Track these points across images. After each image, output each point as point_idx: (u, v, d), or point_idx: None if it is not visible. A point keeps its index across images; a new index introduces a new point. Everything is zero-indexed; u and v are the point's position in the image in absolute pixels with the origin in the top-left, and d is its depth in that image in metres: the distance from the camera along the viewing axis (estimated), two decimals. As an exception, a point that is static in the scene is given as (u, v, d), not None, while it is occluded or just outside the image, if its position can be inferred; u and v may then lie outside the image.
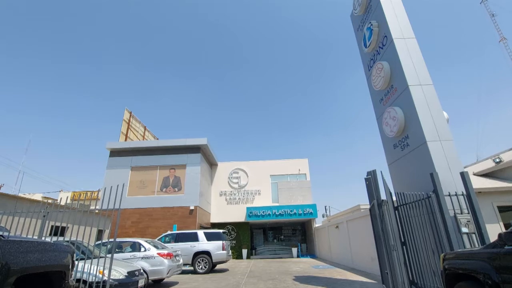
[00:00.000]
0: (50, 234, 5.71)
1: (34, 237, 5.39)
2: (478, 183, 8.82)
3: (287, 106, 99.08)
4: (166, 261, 8.14)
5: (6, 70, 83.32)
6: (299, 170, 21.45)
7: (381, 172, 5.85)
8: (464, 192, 5.46)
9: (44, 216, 5.48)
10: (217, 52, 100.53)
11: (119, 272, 5.63)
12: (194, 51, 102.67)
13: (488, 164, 10.38)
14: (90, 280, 5.07)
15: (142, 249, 8.40)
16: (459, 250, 4.50)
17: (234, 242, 19.80)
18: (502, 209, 8.28)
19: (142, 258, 8.12)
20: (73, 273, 5.25)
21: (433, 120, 6.37)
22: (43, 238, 5.31)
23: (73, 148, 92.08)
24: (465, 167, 11.09)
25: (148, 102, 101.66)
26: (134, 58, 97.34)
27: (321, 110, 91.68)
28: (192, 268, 11.36)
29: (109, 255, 8.15)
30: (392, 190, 7.03)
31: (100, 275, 5.17)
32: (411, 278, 5.93)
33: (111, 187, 5.70)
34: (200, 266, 11.26)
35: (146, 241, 8.69)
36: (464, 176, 5.47)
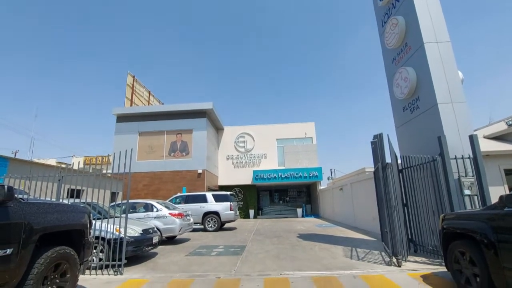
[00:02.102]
0: (67, 197, 6.06)
1: (52, 199, 5.75)
2: (487, 146, 8.69)
3: (294, 70, 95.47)
4: (177, 220, 8.67)
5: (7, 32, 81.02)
6: (305, 133, 21.44)
7: (387, 135, 5.79)
8: (471, 155, 5.41)
9: (59, 180, 5.75)
10: (222, 15, 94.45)
11: (134, 230, 6.04)
12: (198, 13, 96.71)
13: (500, 127, 10.12)
14: (108, 237, 5.48)
15: (155, 209, 8.91)
16: (459, 211, 4.61)
17: (242, 203, 20.74)
18: (508, 172, 8.28)
19: (155, 217, 8.66)
20: (92, 231, 5.72)
21: (446, 81, 6.07)
22: (60, 201, 5.64)
23: (80, 114, 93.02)
24: (476, 130, 10.88)
25: (151, 67, 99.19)
26: (134, 22, 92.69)
27: (330, 74, 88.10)
28: (202, 226, 12.12)
29: (124, 215, 8.77)
30: (398, 154, 7.03)
31: (117, 233, 5.56)
32: (409, 237, 6.23)
33: (120, 152, 5.84)
34: (210, 225, 11.99)
35: (157, 202, 9.18)
36: (472, 139, 5.38)
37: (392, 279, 4.29)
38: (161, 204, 9.14)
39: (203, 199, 12.47)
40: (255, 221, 17.29)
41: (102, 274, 5.12)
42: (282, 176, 19.54)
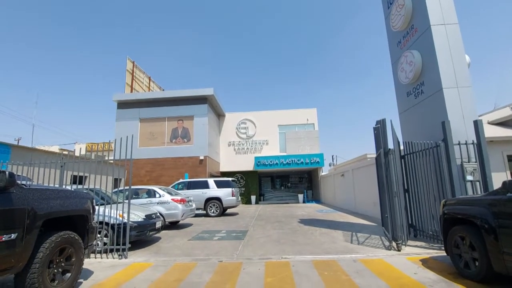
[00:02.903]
0: (70, 183, 6.12)
1: (55, 185, 5.80)
2: (491, 131, 8.59)
3: (297, 57, 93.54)
4: (179, 205, 8.78)
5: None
6: (307, 120, 21.30)
7: (390, 121, 5.71)
8: (475, 141, 5.35)
9: (61, 166, 5.78)
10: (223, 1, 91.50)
11: (137, 216, 6.13)
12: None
13: (505, 113, 9.96)
14: (111, 222, 5.57)
15: (157, 195, 9.01)
16: (461, 196, 4.61)
17: (243, 189, 20.94)
18: (511, 158, 8.22)
19: (157, 203, 8.77)
20: (95, 216, 5.82)
21: (453, 65, 5.91)
22: (64, 187, 5.70)
23: (80, 102, 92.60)
24: (480, 116, 10.70)
25: (150, 53, 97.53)
26: (134, 9, 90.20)
27: (333, 62, 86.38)
28: (204, 212, 12.30)
29: (127, 201, 8.89)
30: (401, 140, 6.98)
31: (120, 218, 5.65)
32: (410, 222, 6.28)
33: (121, 138, 5.83)
34: (212, 210, 12.16)
35: (160, 188, 9.27)
36: (477, 125, 5.30)
37: (391, 263, 4.35)
38: (163, 190, 9.23)
39: (205, 185, 12.58)
40: (257, 207, 17.52)
41: (107, 257, 5.24)
42: (284, 162, 19.60)
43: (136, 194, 9.43)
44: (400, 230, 5.12)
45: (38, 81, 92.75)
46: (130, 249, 5.90)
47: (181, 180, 13.26)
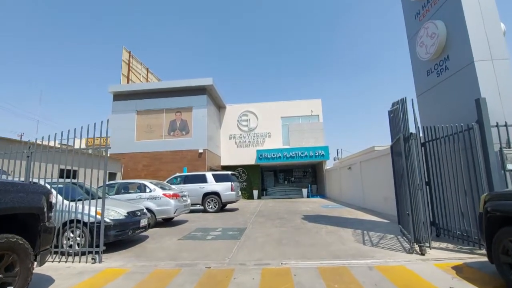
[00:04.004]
0: (58, 177, 5.38)
1: (21, 179, 5.07)
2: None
3: (301, 46, 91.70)
4: (172, 201, 8.03)
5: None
6: (312, 111, 20.34)
7: (411, 100, 4.80)
8: (515, 123, 4.43)
9: (28, 156, 5.03)
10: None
11: (118, 213, 5.37)
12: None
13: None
14: (86, 220, 4.81)
15: (148, 190, 8.27)
16: (507, 189, 3.73)
17: (245, 184, 20.19)
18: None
19: (148, 198, 8.04)
20: (70, 214, 5.09)
21: (486, 34, 4.96)
22: (30, 180, 4.96)
23: (78, 95, 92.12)
24: None
25: (149, 45, 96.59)
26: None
27: (338, 52, 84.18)
28: (202, 207, 11.56)
29: (115, 196, 8.16)
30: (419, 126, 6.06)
31: (98, 216, 4.89)
32: (431, 219, 5.42)
33: (94, 123, 5.03)
34: (210, 206, 11.42)
35: (151, 182, 8.53)
36: (517, 104, 4.37)
37: (417, 272, 3.52)
38: (154, 184, 8.48)
39: (202, 179, 11.83)
40: (259, 202, 16.75)
41: (80, 262, 4.50)
42: (287, 156, 18.74)
43: (126, 188, 8.72)
44: (424, 230, 4.26)
45: (37, 72, 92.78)
46: (109, 250, 5.18)
47: (177, 174, 12.52)
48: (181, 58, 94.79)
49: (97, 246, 4.53)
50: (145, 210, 6.38)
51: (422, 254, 4.18)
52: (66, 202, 4.97)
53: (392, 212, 8.47)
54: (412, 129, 4.79)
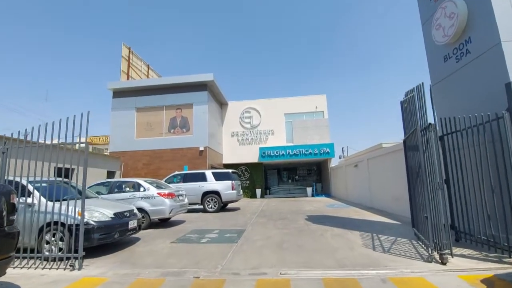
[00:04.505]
0: (54, 176, 4.94)
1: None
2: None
3: (305, 42, 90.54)
4: (167, 200, 7.57)
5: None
6: (316, 107, 19.70)
7: (430, 86, 4.22)
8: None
9: (3, 153, 4.60)
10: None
11: (103, 214, 4.92)
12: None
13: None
14: (65, 222, 4.37)
15: (142, 189, 7.83)
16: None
17: (248, 182, 19.70)
18: None
19: (141, 198, 7.60)
20: (50, 215, 4.67)
21: (514, 11, 4.34)
22: (6, 178, 4.53)
23: (77, 92, 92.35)
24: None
25: (150, 42, 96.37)
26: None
27: (345, 47, 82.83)
28: (202, 207, 11.11)
29: (107, 196, 7.73)
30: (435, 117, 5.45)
31: (79, 217, 4.44)
32: (450, 222, 4.83)
33: (74, 116, 4.55)
34: (210, 205, 10.95)
35: (145, 181, 8.08)
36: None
37: (438, 286, 2.96)
38: (149, 183, 8.03)
39: (202, 177, 11.37)
40: (262, 201, 16.25)
41: (58, 268, 4.06)
42: (291, 153, 18.17)
43: (120, 187, 8.28)
44: (445, 235, 3.70)
45: (42, 70, 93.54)
46: (94, 255, 4.75)
47: (176, 172, 12.08)
48: (182, 55, 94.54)
49: (75, 251, 4.09)
50: (135, 211, 5.92)
51: (443, 263, 3.62)
52: (49, 203, 4.55)
53: (402, 213, 7.88)
54: (430, 120, 4.21)
